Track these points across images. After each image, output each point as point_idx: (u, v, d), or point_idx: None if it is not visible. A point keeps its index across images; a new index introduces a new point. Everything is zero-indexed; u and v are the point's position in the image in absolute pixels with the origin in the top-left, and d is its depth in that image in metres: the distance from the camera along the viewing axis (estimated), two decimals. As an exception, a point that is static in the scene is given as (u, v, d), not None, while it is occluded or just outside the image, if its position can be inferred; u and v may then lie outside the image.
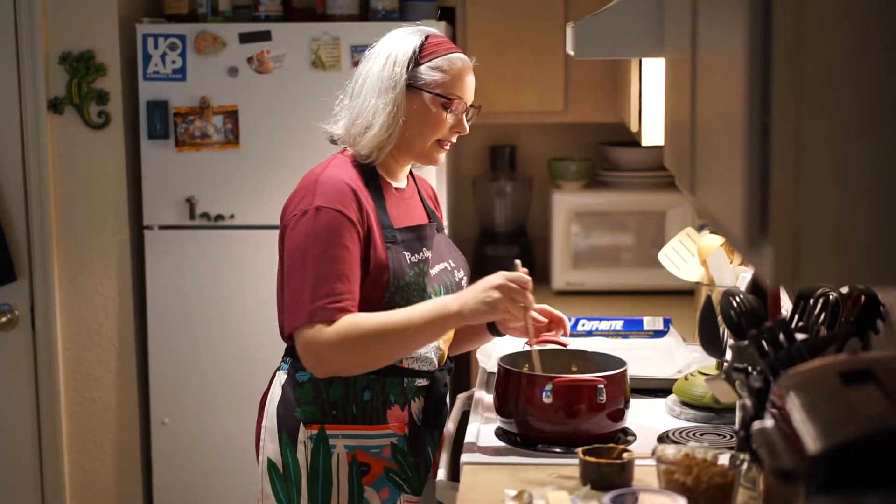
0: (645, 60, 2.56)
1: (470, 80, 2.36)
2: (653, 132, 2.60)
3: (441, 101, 2.31)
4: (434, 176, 3.45)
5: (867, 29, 1.04)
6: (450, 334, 2.42)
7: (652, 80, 2.57)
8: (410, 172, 2.48)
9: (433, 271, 2.36)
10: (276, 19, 3.57)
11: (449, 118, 2.33)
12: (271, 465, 2.33)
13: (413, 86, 2.30)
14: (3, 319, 3.54)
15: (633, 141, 3.18)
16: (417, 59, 2.31)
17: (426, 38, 2.34)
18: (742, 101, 1.14)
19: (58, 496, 3.64)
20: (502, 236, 4.11)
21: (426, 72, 2.31)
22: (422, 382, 2.37)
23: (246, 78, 3.47)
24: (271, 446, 2.33)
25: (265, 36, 3.46)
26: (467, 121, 2.37)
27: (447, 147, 2.38)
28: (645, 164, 3.97)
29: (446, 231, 2.55)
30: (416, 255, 2.32)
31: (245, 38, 3.48)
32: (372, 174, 2.34)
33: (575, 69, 3.82)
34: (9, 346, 3.58)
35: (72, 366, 3.62)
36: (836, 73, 1.05)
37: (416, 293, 2.29)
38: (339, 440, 2.30)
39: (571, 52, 2.29)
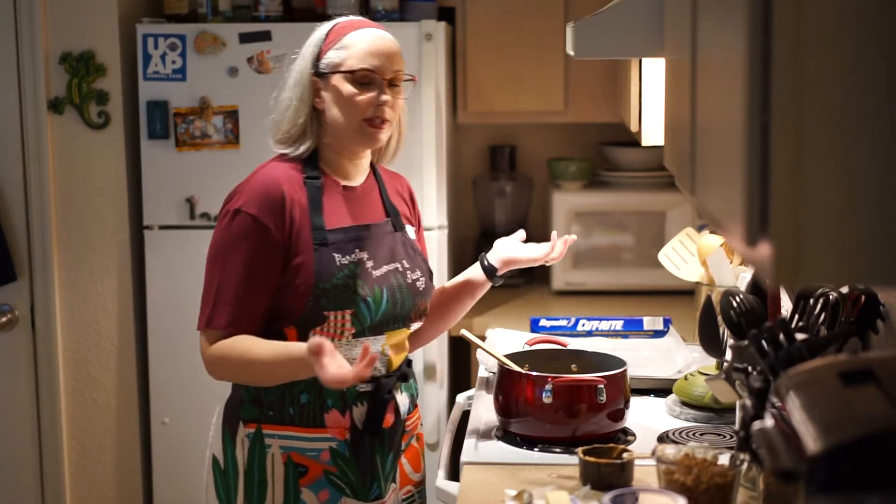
0: (645, 60, 2.56)
1: (381, 51, 2.28)
2: (653, 132, 2.60)
3: (348, 77, 2.26)
4: (434, 176, 3.45)
5: (867, 29, 1.04)
6: (399, 339, 2.35)
7: (652, 80, 2.57)
8: (374, 170, 2.42)
9: (377, 272, 2.29)
10: (276, 19, 3.57)
11: (364, 94, 2.26)
12: (214, 461, 2.35)
13: (323, 73, 2.28)
14: (3, 319, 3.54)
15: (633, 141, 3.18)
16: (322, 46, 2.30)
17: (334, 25, 2.33)
18: (742, 101, 1.14)
19: (58, 496, 3.64)
20: (502, 236, 4.09)
21: (332, 55, 2.28)
22: (364, 388, 2.29)
23: (246, 78, 3.47)
24: (215, 442, 2.35)
25: (265, 36, 3.46)
26: (399, 96, 2.29)
27: (381, 126, 2.28)
28: (645, 164, 3.97)
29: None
30: (348, 257, 2.26)
31: (245, 38, 3.47)
32: (314, 173, 2.30)
33: (575, 69, 3.82)
34: (9, 346, 3.58)
35: (72, 366, 3.62)
36: (836, 73, 1.05)
37: (345, 296, 2.23)
38: (275, 440, 2.27)
39: (571, 52, 2.29)
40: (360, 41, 2.29)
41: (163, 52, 3.48)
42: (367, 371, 2.04)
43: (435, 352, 3.47)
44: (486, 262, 2.55)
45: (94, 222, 3.58)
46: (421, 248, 2.49)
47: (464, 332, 2.53)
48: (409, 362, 2.42)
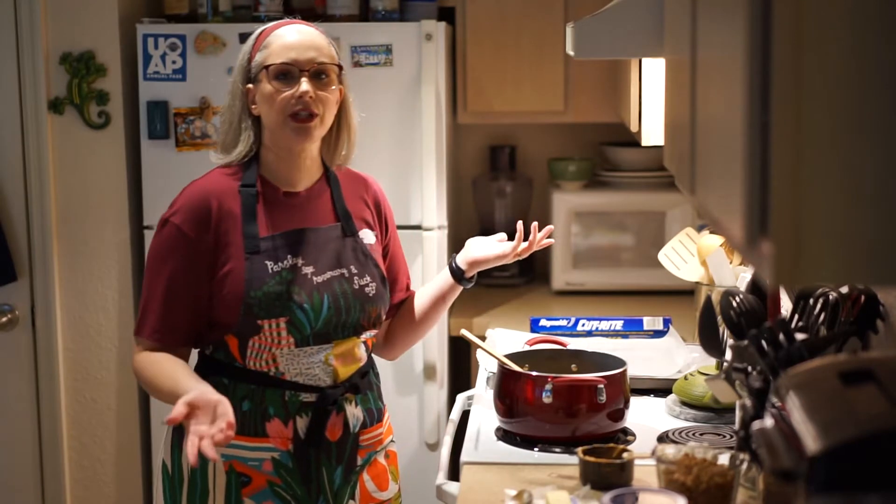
0: (645, 60, 2.56)
1: (298, 44, 2.24)
2: (653, 132, 2.59)
3: (268, 74, 2.23)
4: (434, 176, 3.45)
5: (867, 28, 1.04)
6: (346, 348, 2.27)
7: (652, 80, 2.57)
8: (327, 173, 2.35)
9: (319, 278, 2.24)
10: (275, 19, 3.55)
11: (285, 89, 2.22)
12: (164, 466, 2.34)
13: (253, 78, 2.27)
14: (4, 319, 3.54)
15: (633, 141, 3.18)
16: (251, 53, 2.29)
17: (261, 31, 2.32)
18: (742, 101, 1.14)
19: (58, 496, 3.64)
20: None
21: (257, 58, 2.27)
22: (308, 398, 2.24)
23: (246, 78, 3.47)
24: (164, 447, 2.34)
25: (265, 36, 3.46)
26: (319, 86, 2.23)
27: (308, 120, 2.22)
28: (645, 164, 3.97)
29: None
30: (280, 264, 2.22)
31: (245, 38, 3.44)
32: (249, 181, 2.26)
33: (575, 69, 3.82)
34: (9, 346, 3.58)
35: (72, 366, 3.62)
36: (836, 72, 1.05)
37: (278, 304, 2.19)
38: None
39: (571, 52, 2.29)
40: (279, 37, 2.27)
41: (163, 52, 3.48)
42: (220, 437, 1.96)
43: (435, 352, 3.47)
44: (453, 265, 2.46)
45: (94, 222, 3.58)
46: (393, 250, 2.45)
47: (464, 332, 2.53)
48: (363, 374, 2.33)
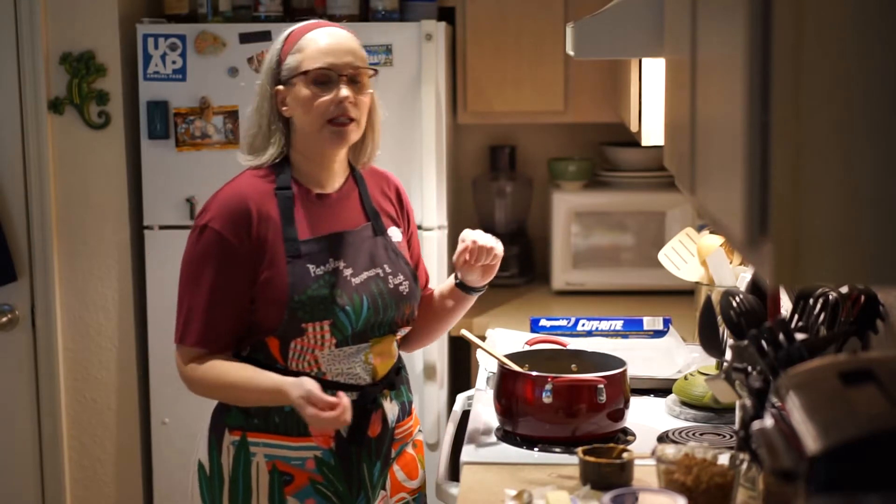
0: (645, 60, 2.56)
1: (335, 48, 2.25)
2: (653, 132, 2.59)
3: (306, 79, 2.24)
4: (434, 176, 3.45)
5: (867, 29, 1.04)
6: (384, 347, 2.31)
7: (652, 80, 2.57)
8: (353, 172, 2.38)
9: (356, 280, 2.26)
10: (276, 19, 3.57)
11: (323, 94, 2.23)
12: (200, 466, 2.34)
13: (285, 81, 2.27)
14: (4, 319, 3.54)
15: (633, 141, 3.18)
16: (280, 55, 2.28)
17: (290, 32, 2.31)
18: (742, 101, 1.14)
19: (58, 496, 3.64)
20: (502, 237, 4.05)
21: (290, 60, 2.27)
22: (349, 396, 2.22)
23: (246, 78, 3.47)
24: (202, 447, 2.34)
25: (265, 36, 3.46)
26: (356, 90, 2.25)
27: (346, 125, 2.24)
28: (645, 164, 3.97)
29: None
30: (322, 267, 2.24)
31: (245, 38, 3.48)
32: (284, 184, 2.27)
33: (575, 69, 3.82)
34: (9, 346, 3.58)
35: (72, 366, 3.62)
36: (836, 73, 1.05)
37: (322, 307, 2.21)
38: (260, 448, 2.26)
39: (571, 52, 2.29)
40: (313, 41, 2.26)
41: (163, 52, 3.48)
42: (348, 416, 2.10)
43: (435, 352, 3.47)
44: (456, 277, 2.43)
45: (94, 222, 3.58)
46: (413, 245, 2.46)
47: (464, 332, 2.53)
48: (397, 370, 2.37)
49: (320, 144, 2.27)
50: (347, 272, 2.26)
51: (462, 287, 2.42)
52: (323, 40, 2.26)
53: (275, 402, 2.21)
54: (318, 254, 2.24)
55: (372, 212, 2.36)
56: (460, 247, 2.34)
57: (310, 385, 2.12)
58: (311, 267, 2.23)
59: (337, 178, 2.34)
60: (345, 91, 2.23)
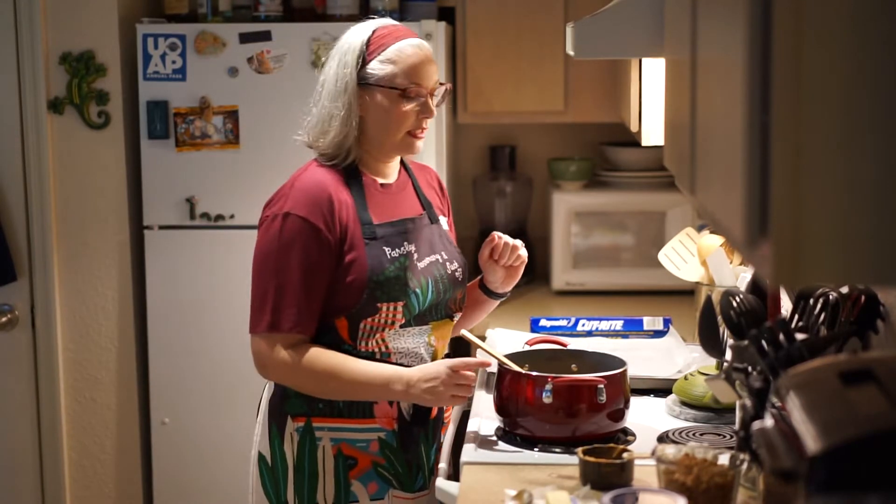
0: (645, 60, 2.56)
1: (425, 64, 2.32)
2: (653, 132, 2.60)
3: (396, 93, 2.29)
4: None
5: (867, 29, 1.04)
6: (444, 330, 2.43)
7: (652, 80, 2.57)
8: (404, 164, 2.48)
9: (421, 264, 2.36)
10: (276, 19, 3.57)
11: (410, 108, 2.31)
12: (261, 458, 2.36)
13: (366, 83, 2.30)
14: (3, 319, 3.54)
15: (633, 141, 3.18)
16: (365, 55, 2.30)
17: (373, 31, 2.32)
18: (742, 101, 1.14)
19: (58, 496, 3.64)
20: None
21: (376, 67, 2.29)
22: None
23: (246, 78, 3.47)
24: (262, 439, 2.37)
25: (265, 36, 3.46)
26: (435, 105, 2.35)
27: (421, 135, 2.35)
28: (645, 164, 3.97)
29: (446, 223, 2.52)
30: (397, 250, 2.32)
31: (245, 38, 3.47)
32: (353, 173, 2.34)
33: (575, 69, 3.82)
34: (9, 346, 3.58)
35: (72, 366, 3.62)
36: (836, 73, 1.05)
37: (397, 288, 2.29)
38: (325, 433, 2.31)
39: (571, 52, 2.29)
40: (407, 55, 2.30)
41: (163, 52, 3.48)
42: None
43: (435, 352, 3.47)
44: (481, 280, 2.60)
45: (94, 222, 3.58)
46: (452, 237, 2.54)
47: (464, 332, 2.53)
48: (447, 354, 2.47)
49: (394, 149, 2.36)
50: (415, 256, 2.35)
51: (484, 289, 2.56)
52: (415, 56, 2.31)
53: (385, 395, 2.28)
54: (392, 237, 2.33)
55: (426, 201, 2.46)
56: (486, 243, 2.48)
57: (436, 365, 2.26)
58: (386, 249, 2.31)
59: (394, 169, 2.43)
60: (431, 107, 2.33)
